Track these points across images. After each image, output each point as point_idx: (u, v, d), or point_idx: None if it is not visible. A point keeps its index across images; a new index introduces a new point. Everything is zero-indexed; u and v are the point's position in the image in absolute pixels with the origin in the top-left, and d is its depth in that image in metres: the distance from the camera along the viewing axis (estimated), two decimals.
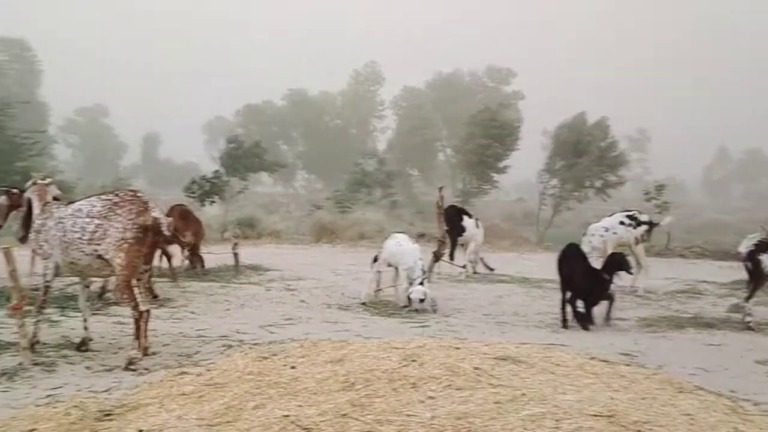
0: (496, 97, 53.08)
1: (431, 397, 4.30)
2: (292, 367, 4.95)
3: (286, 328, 7.69)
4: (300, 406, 4.18)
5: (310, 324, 7.98)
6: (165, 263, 11.18)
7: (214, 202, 27.64)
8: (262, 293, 10.41)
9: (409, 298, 9.33)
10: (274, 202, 50.91)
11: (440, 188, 12.84)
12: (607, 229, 12.16)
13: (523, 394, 4.36)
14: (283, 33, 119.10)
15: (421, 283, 9.41)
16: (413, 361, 4.92)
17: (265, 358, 5.30)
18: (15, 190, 9.85)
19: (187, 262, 12.19)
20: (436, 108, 62.65)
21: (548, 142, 37.01)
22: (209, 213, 25.81)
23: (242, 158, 33.91)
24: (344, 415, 4.01)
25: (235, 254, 12.96)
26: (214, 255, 13.42)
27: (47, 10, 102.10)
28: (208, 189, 27.57)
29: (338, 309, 9.23)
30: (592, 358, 5.82)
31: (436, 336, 6.99)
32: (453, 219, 13.33)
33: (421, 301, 9.26)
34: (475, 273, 13.73)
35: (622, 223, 12.24)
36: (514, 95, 62.85)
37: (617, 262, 8.77)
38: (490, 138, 32.14)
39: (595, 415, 3.95)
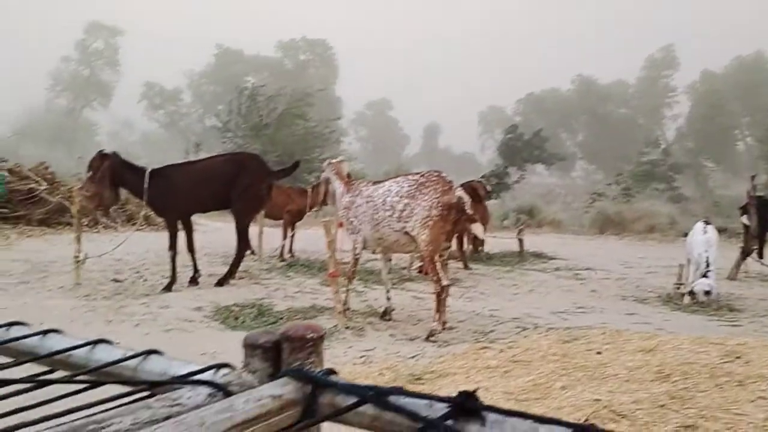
0: None
1: (762, 398, 3.84)
2: (598, 353, 4.75)
3: (579, 316, 7.45)
4: (611, 392, 3.99)
5: (605, 314, 7.65)
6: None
7: (498, 197, 28.07)
8: (550, 280, 10.24)
9: (693, 292, 8.57)
10: (551, 192, 50.13)
11: (752, 176, 11.54)
12: None
13: None
14: (562, 18, 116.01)
15: (705, 275, 8.56)
16: (737, 357, 4.45)
17: (567, 341, 5.17)
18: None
19: (470, 245, 12.43)
20: (737, 94, 56.53)
21: None
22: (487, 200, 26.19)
23: (522, 149, 33.89)
24: (662, 406, 3.75)
25: (520, 240, 12.94)
26: (496, 241, 13.54)
27: (344, 12, 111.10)
28: (494, 185, 28.11)
29: (634, 301, 8.73)
30: None
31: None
32: (760, 212, 11.80)
33: (707, 293, 8.43)
34: None
35: None
36: None
37: None
38: None
39: None
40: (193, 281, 8.40)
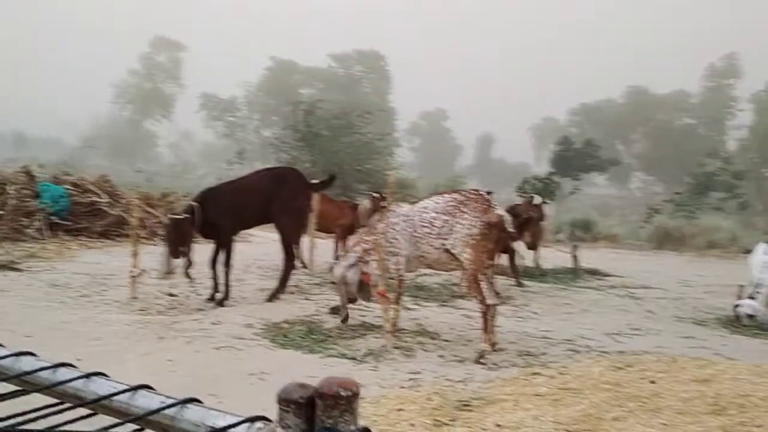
0: None
1: None
2: (652, 382, 4.63)
3: (634, 339, 7.26)
4: (665, 425, 3.88)
5: (661, 337, 7.43)
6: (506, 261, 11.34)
7: (546, 202, 27.75)
8: (604, 299, 10.02)
9: (737, 311, 8.37)
10: (607, 205, 49.29)
11: None
12: None
13: None
14: (618, 27, 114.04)
15: (752, 297, 8.32)
16: None
17: (620, 368, 5.05)
18: (377, 195, 10.95)
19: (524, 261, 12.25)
20: None
21: None
22: None
23: (573, 159, 33.37)
24: None
25: (574, 257, 12.71)
26: (550, 256, 13.32)
27: (399, 24, 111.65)
28: (540, 189, 27.73)
29: (692, 323, 8.46)
30: None
31: None
32: None
33: (750, 317, 8.20)
34: None
35: None
36: None
37: None
38: None
39: None
40: (221, 300, 8.33)
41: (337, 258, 11.29)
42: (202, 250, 8.92)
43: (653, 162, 62.95)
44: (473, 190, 6.74)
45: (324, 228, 11.71)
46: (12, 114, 76.00)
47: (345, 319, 7.22)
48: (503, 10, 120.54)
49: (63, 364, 1.20)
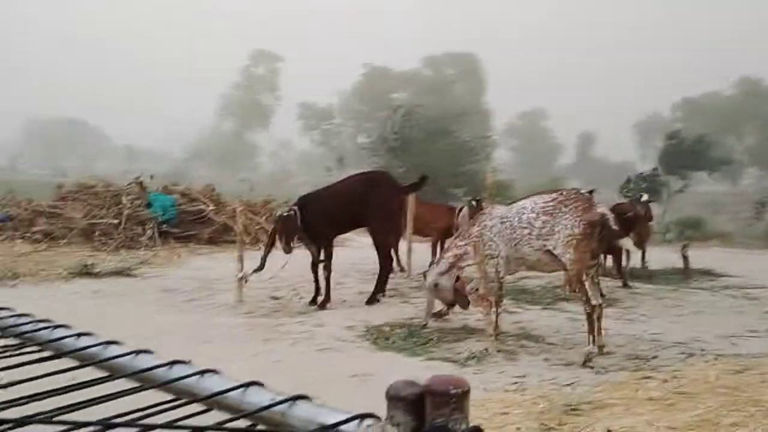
0: None
1: None
2: None
3: (751, 341, 6.85)
4: None
5: None
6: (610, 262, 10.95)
7: (652, 201, 26.72)
8: (718, 300, 9.51)
9: None
10: (717, 202, 46.87)
11: None
12: None
13: None
14: (727, 16, 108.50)
15: None
16: None
17: (738, 371, 4.78)
18: (476, 201, 10.85)
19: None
20: None
21: None
22: None
23: (683, 155, 31.88)
24: None
25: (685, 257, 12.13)
26: (658, 257, 12.78)
27: (491, 25, 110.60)
28: (644, 188, 26.67)
29: None
30: None
31: None
32: None
33: None
34: None
35: None
36: None
37: None
38: None
39: None
40: (322, 303, 8.48)
41: (432, 263, 11.26)
42: (300, 255, 9.08)
43: (767, 156, 59.51)
44: (573, 189, 6.56)
45: (420, 231, 11.69)
46: (124, 128, 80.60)
47: (436, 316, 7.27)
48: (604, 6, 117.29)
49: (177, 362, 1.24)
